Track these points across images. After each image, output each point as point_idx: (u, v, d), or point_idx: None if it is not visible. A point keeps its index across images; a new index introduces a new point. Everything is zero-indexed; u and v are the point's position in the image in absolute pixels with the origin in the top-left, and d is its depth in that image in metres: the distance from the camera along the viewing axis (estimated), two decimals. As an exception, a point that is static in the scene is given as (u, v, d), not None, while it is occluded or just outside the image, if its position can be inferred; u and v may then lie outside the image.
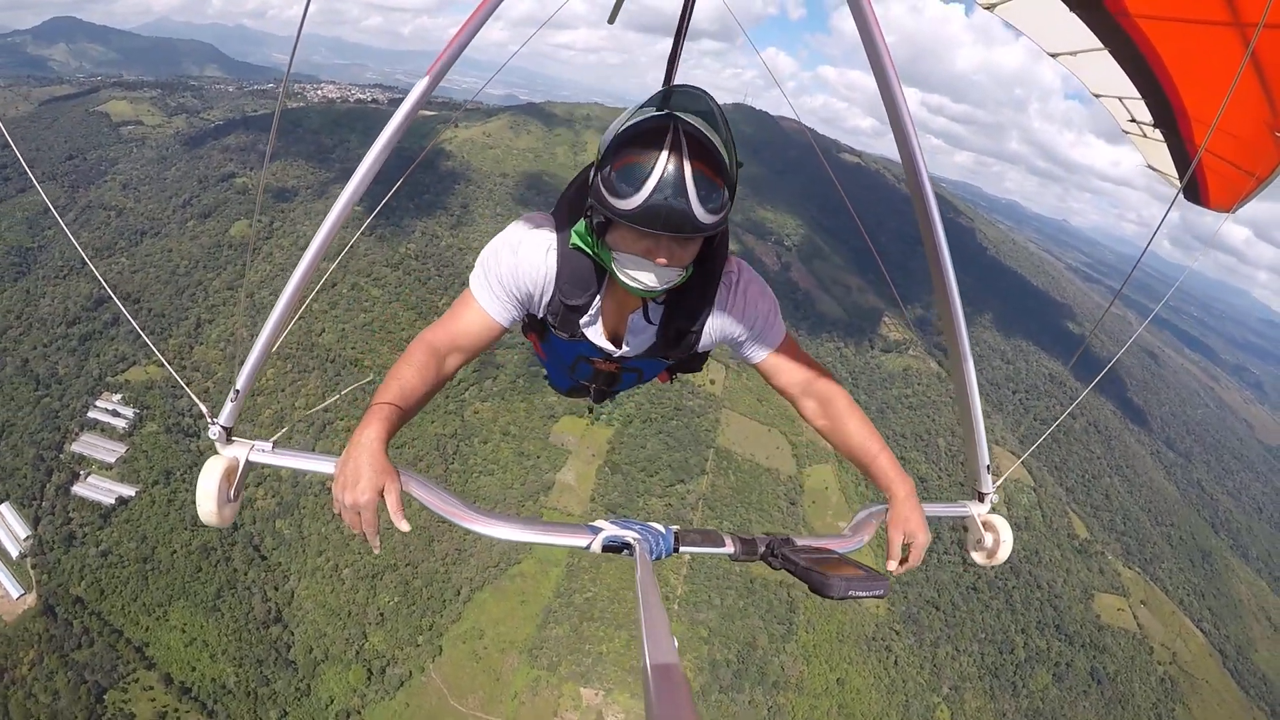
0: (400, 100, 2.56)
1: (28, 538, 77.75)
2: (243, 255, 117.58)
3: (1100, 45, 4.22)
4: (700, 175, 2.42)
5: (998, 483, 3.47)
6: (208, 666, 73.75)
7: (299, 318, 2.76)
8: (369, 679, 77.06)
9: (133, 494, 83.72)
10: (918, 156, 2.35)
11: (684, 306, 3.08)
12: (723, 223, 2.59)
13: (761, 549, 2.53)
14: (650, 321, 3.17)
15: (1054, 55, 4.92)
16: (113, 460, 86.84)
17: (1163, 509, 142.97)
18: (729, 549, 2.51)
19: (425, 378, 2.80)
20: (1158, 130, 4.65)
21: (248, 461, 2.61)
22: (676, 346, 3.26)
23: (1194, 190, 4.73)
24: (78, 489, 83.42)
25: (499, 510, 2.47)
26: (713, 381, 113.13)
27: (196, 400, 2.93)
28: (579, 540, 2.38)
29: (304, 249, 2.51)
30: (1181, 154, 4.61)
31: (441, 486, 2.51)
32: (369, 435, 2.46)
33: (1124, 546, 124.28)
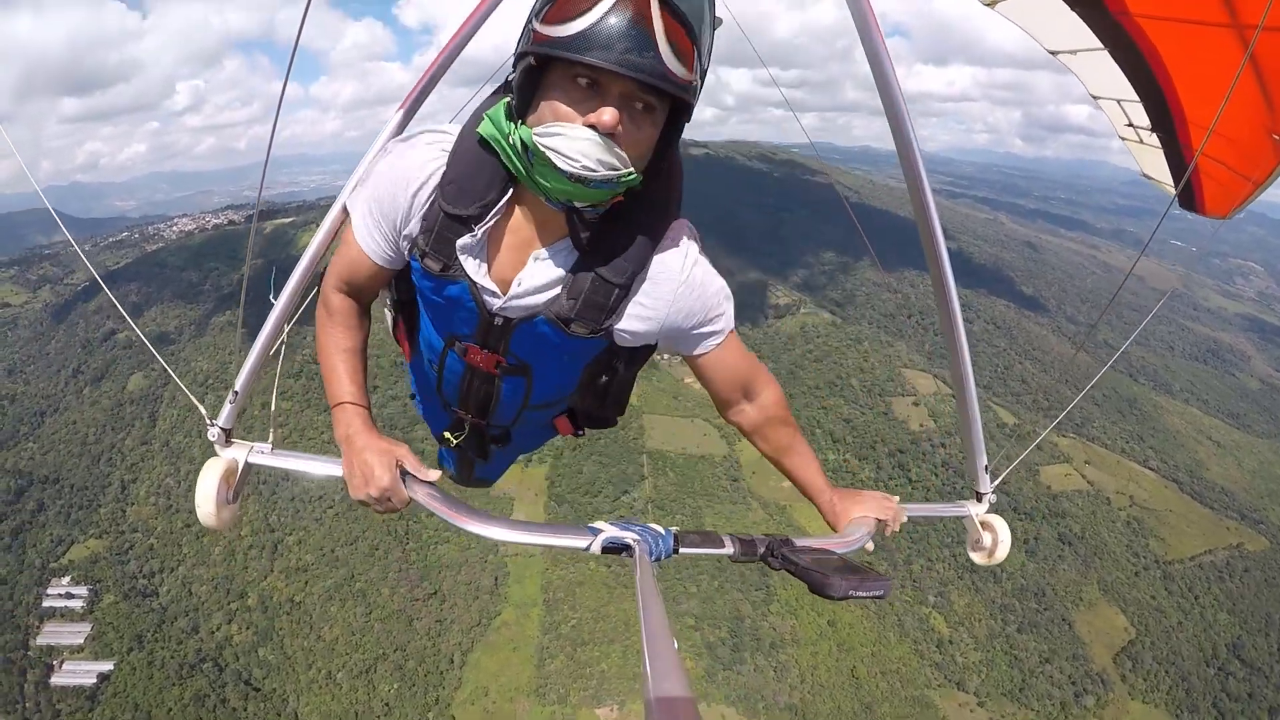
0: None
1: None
2: (145, 408, 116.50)
3: (1100, 45, 4.31)
4: (665, 21, 1.86)
5: (995, 482, 3.54)
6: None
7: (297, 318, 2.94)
8: (396, 771, 77.55)
9: (110, 668, 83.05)
10: (917, 159, 2.46)
11: (610, 253, 2.36)
12: (694, 92, 2.02)
13: (761, 549, 2.48)
14: (560, 264, 2.40)
15: (1054, 53, 5.01)
16: (81, 640, 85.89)
17: (1078, 375, 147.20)
18: (728, 550, 2.44)
19: (357, 333, 2.76)
20: (1155, 135, 4.73)
21: (247, 463, 2.68)
22: (585, 309, 2.42)
23: (1189, 197, 4.80)
24: (55, 679, 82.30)
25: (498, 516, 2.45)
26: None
27: (195, 401, 2.97)
28: (578, 542, 2.28)
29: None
30: (1178, 159, 4.70)
31: (442, 493, 2.42)
32: (355, 427, 2.48)
33: (1052, 419, 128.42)
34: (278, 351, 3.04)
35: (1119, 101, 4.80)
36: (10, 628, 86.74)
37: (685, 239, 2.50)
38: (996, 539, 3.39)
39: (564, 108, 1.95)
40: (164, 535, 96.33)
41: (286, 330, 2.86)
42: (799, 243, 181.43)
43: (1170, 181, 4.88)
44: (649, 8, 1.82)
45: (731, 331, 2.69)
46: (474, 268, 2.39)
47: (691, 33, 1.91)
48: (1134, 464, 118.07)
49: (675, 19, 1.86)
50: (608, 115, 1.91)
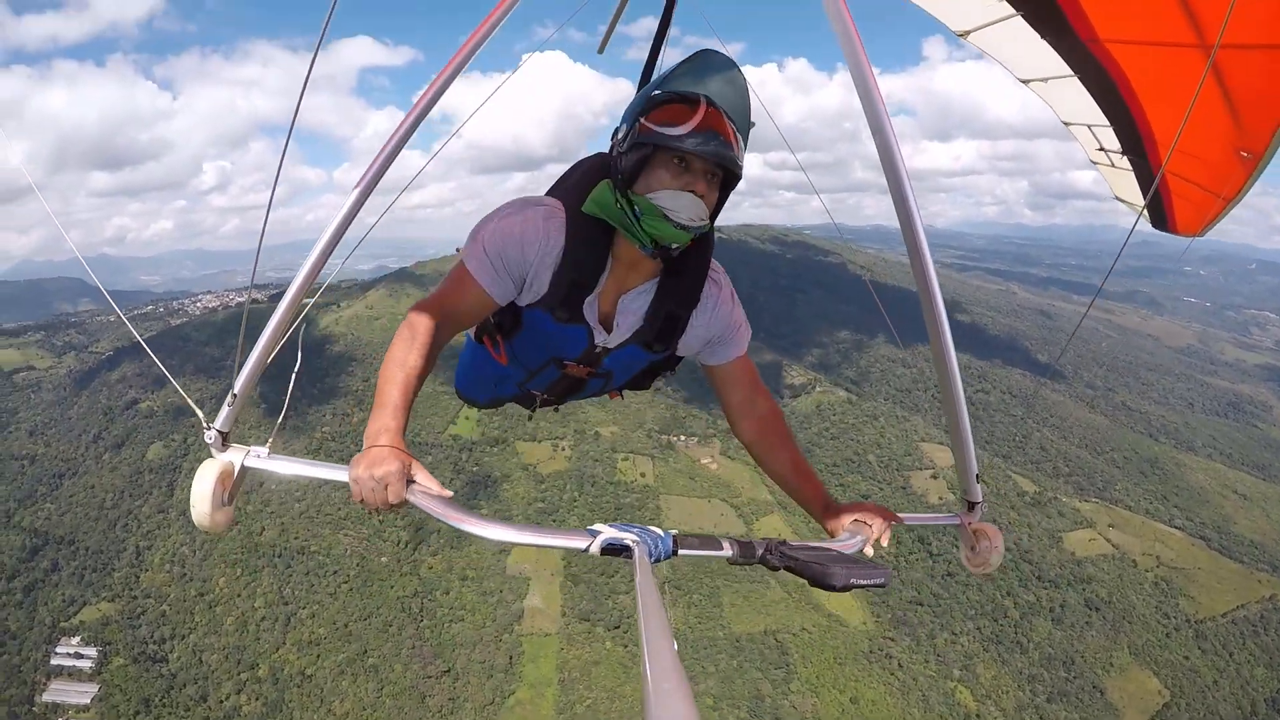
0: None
1: None
2: (163, 477, 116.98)
3: (1070, 72, 4.47)
4: (732, 120, 2.73)
5: (987, 491, 3.51)
6: None
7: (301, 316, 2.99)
8: None
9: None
10: (898, 158, 2.53)
11: (677, 291, 3.19)
12: (741, 169, 2.84)
13: (760, 551, 2.56)
14: (642, 304, 3.22)
15: (1025, 82, 5.18)
16: (88, 701, 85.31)
17: (1098, 439, 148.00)
18: (727, 552, 2.54)
19: (428, 360, 2.90)
20: (1125, 158, 4.90)
21: (243, 467, 2.73)
22: (661, 335, 3.28)
23: (1160, 216, 4.97)
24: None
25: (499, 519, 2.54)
26: (643, 475, 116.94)
27: (192, 405, 3.14)
28: (578, 543, 2.37)
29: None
30: (1149, 179, 4.83)
31: (440, 497, 2.49)
32: (388, 433, 2.58)
33: (1074, 486, 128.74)
34: (291, 358, 3.24)
35: (1089, 127, 5.02)
36: (17, 682, 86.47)
37: (719, 273, 3.39)
38: (990, 546, 3.45)
39: (669, 178, 2.77)
40: (176, 602, 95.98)
41: (285, 338, 2.98)
42: (813, 322, 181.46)
43: (1140, 201, 5.09)
44: (723, 121, 2.69)
45: (744, 352, 3.54)
46: (590, 314, 3.20)
47: (742, 132, 2.79)
48: (1159, 524, 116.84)
49: (734, 125, 2.72)
50: (700, 185, 2.77)
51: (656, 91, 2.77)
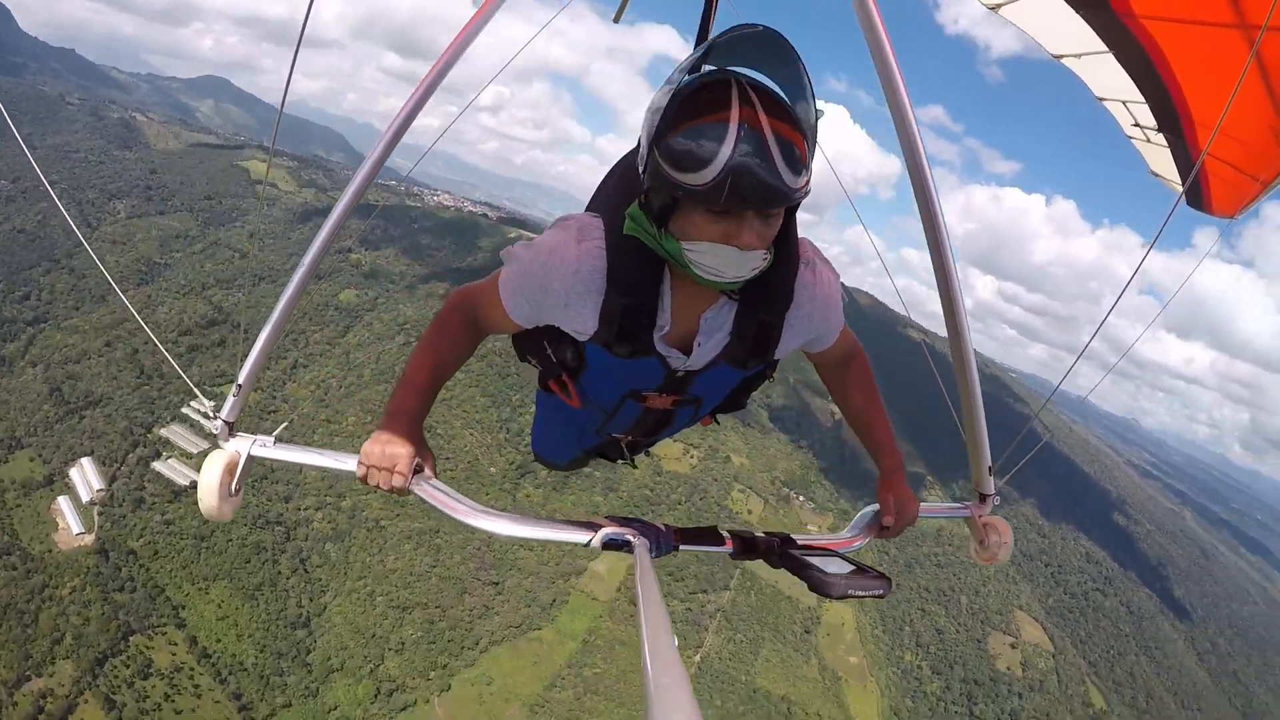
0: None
1: (100, 490, 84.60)
2: (346, 319, 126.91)
3: (1105, 48, 4.25)
4: (780, 135, 1.97)
5: (999, 483, 3.48)
6: (232, 643, 78.46)
7: (299, 313, 5.05)
8: (376, 697, 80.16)
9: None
10: (917, 142, 2.30)
11: (762, 294, 2.53)
12: (809, 183, 2.10)
13: (761, 548, 2.53)
14: (725, 319, 2.61)
15: (1058, 57, 4.90)
16: (195, 451, 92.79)
17: (1190, 693, 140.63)
18: (729, 547, 2.53)
19: (460, 354, 2.85)
20: (1161, 135, 4.63)
21: (249, 456, 2.66)
22: (756, 349, 2.67)
23: (1196, 196, 4.65)
24: (157, 465, 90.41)
25: (509, 510, 2.52)
26: (750, 512, 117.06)
27: (199, 394, 3.20)
28: (579, 537, 2.37)
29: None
30: (1185, 159, 4.58)
31: (445, 489, 2.50)
32: (408, 415, 2.57)
33: None
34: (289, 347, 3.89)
35: (1125, 103, 4.77)
36: (145, 410, 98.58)
37: (810, 256, 2.67)
38: (1000, 540, 3.41)
39: (707, 227, 2.11)
40: (305, 416, 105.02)
41: (286, 331, 2.93)
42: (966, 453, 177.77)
43: (1177, 179, 4.84)
44: (766, 137, 1.94)
45: (843, 328, 2.99)
46: (661, 346, 2.58)
47: (806, 140, 2.05)
48: None
49: (790, 134, 2.00)
50: (747, 237, 2.09)
51: (664, 139, 2.08)
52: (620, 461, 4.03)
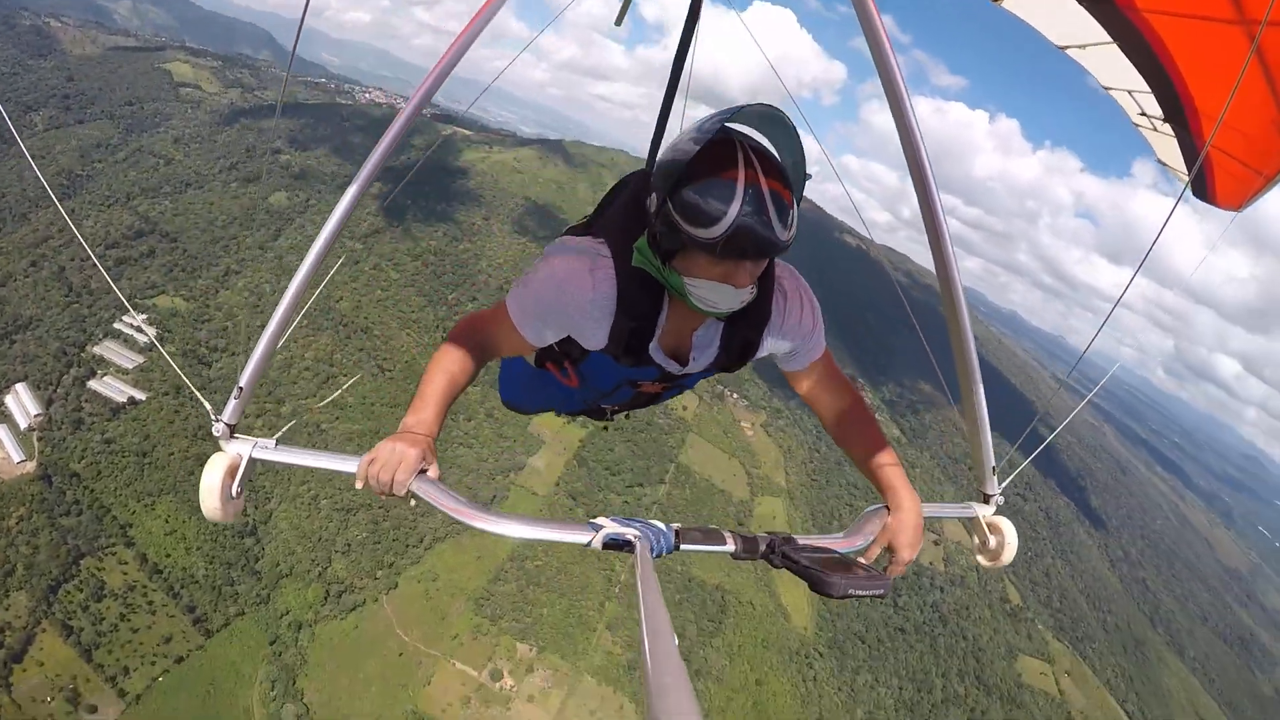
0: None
1: (38, 415, 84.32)
2: (277, 222, 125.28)
3: (1109, 39, 4.24)
4: (775, 194, 2.36)
5: (1003, 484, 3.46)
6: (181, 557, 79.72)
7: (301, 314, 2.70)
8: (325, 599, 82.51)
9: (143, 398, 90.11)
10: (921, 150, 2.40)
11: (747, 316, 2.95)
12: (795, 231, 2.48)
13: (762, 548, 2.56)
14: (714, 335, 3.08)
15: (1063, 48, 4.88)
16: (130, 367, 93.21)
17: (1102, 596, 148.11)
18: (730, 547, 2.55)
19: (469, 376, 3.01)
20: (1168, 125, 4.65)
21: (251, 459, 2.69)
22: (739, 358, 3.19)
23: (1202, 187, 4.71)
24: (93, 384, 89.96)
25: (506, 511, 2.55)
26: (685, 408, 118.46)
27: (201, 398, 3.10)
28: (580, 537, 2.42)
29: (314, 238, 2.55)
30: (1191, 149, 4.62)
31: (446, 490, 2.55)
32: (424, 425, 2.71)
33: (1056, 621, 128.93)
34: (292, 349, 4.14)
35: (1130, 92, 4.78)
36: (77, 329, 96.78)
37: (786, 278, 3.13)
38: (1003, 541, 3.37)
39: (709, 268, 2.50)
40: (240, 324, 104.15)
41: (290, 330, 2.93)
42: (904, 363, 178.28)
43: (1184, 169, 4.88)
44: (765, 198, 2.32)
45: (823, 352, 3.40)
46: (658, 355, 3.05)
47: (795, 200, 2.46)
48: (1112, 700, 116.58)
49: (783, 192, 2.40)
50: (742, 278, 2.52)
51: (677, 194, 2.42)
52: (600, 422, 4.73)
